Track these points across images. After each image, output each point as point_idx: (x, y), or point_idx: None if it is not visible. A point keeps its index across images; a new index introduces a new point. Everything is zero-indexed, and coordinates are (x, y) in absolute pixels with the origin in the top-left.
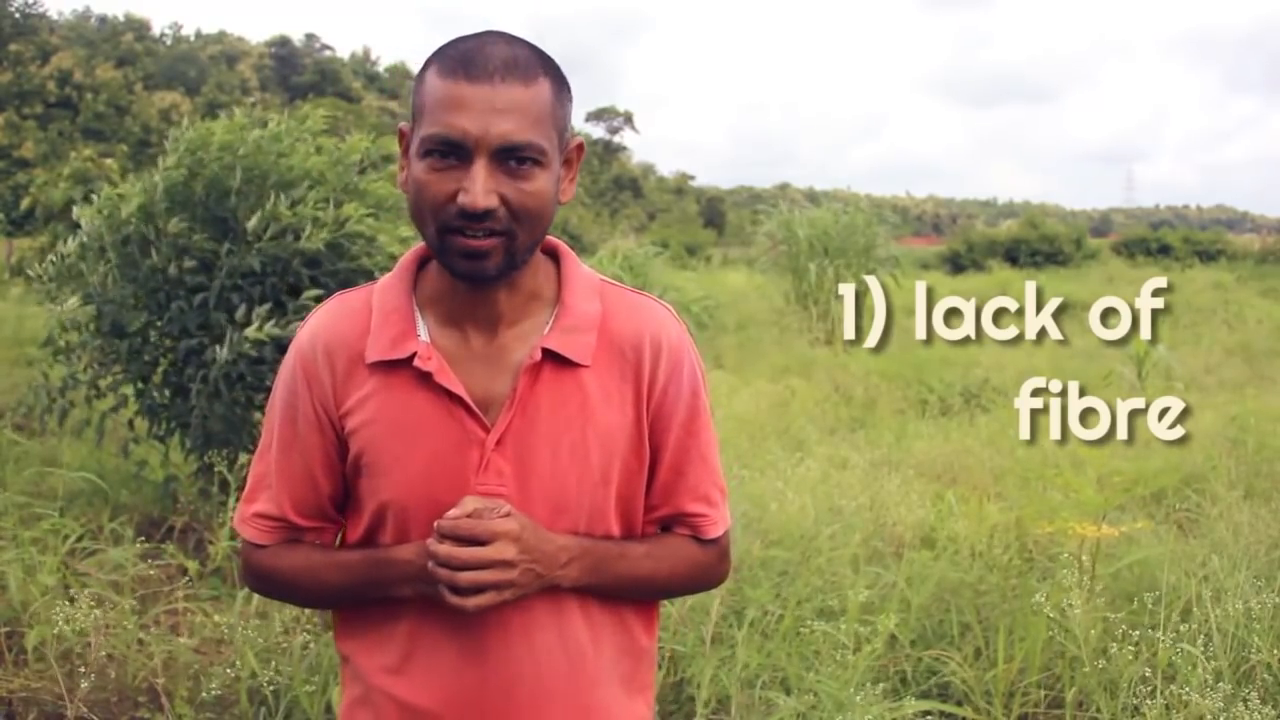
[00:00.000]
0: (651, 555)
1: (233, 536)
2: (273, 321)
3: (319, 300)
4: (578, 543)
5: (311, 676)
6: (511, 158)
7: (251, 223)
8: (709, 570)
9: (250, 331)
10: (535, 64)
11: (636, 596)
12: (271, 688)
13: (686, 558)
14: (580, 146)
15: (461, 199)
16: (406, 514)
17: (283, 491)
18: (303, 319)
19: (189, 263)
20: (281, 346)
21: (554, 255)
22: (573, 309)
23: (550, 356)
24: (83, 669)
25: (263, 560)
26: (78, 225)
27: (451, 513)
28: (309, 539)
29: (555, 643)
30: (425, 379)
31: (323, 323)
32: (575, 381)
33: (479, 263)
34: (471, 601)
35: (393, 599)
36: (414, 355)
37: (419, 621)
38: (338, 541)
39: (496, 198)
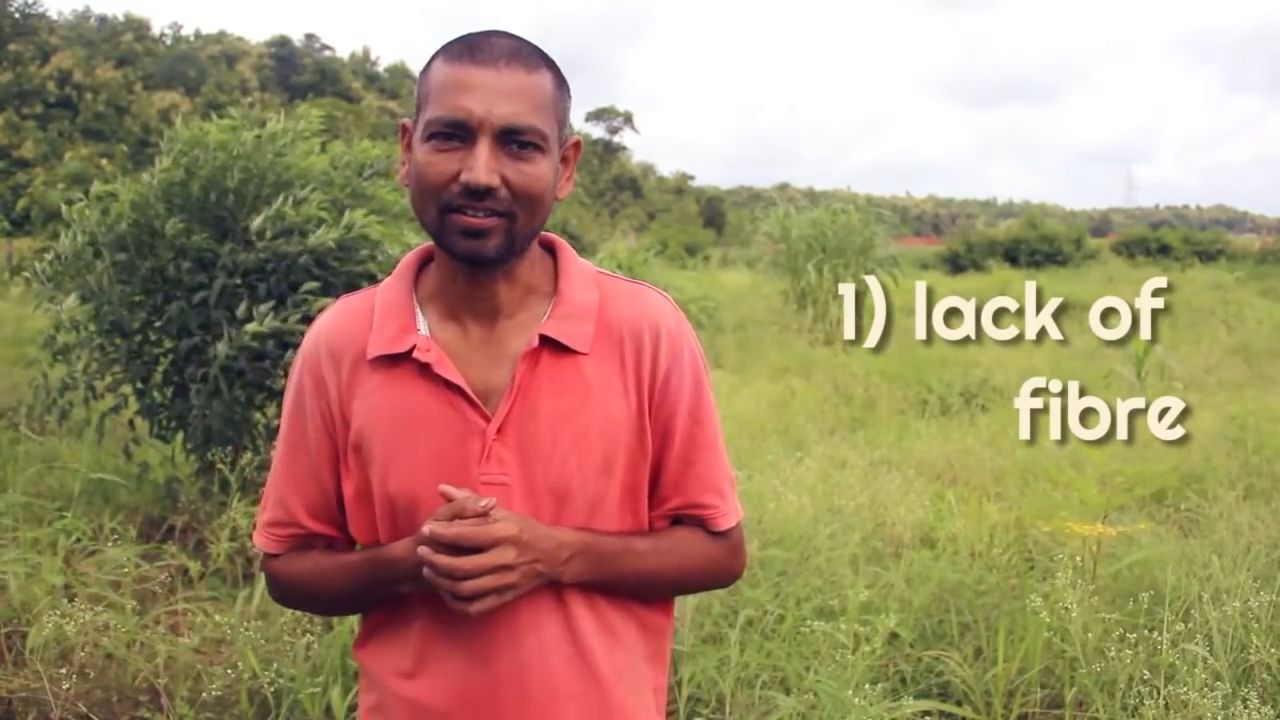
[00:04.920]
0: (659, 549)
1: (233, 537)
2: (273, 315)
3: (316, 293)
4: (579, 537)
5: (314, 678)
6: (514, 140)
7: (256, 222)
8: (722, 564)
9: (252, 326)
10: (538, 56)
11: (645, 593)
12: (272, 688)
13: (698, 552)
14: (578, 145)
15: (465, 176)
16: (411, 507)
17: (291, 494)
18: (303, 313)
19: (187, 263)
20: (283, 341)
21: (551, 250)
22: (570, 298)
23: (548, 343)
24: (83, 669)
25: (278, 569)
26: (69, 224)
27: (440, 512)
28: (320, 544)
29: (565, 641)
30: (425, 371)
31: (326, 325)
32: (574, 369)
33: (479, 241)
34: (475, 606)
35: (404, 602)
36: (414, 348)
37: (430, 624)
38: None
39: (498, 177)
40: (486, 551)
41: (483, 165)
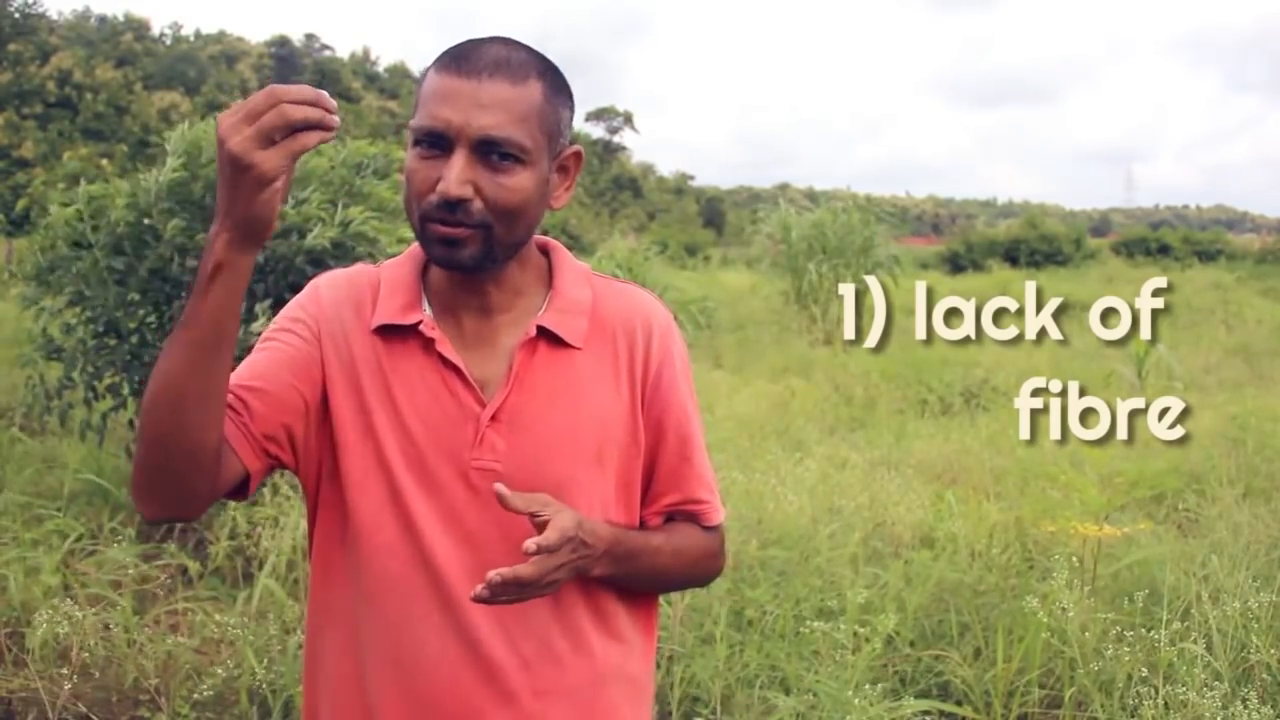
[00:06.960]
0: (670, 545)
1: (232, 536)
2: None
3: None
4: (611, 532)
5: None
6: (493, 152)
7: None
8: (713, 561)
9: (258, 326)
10: (529, 66)
11: (647, 589)
12: (271, 688)
13: (699, 548)
14: (578, 154)
15: (439, 186)
16: (398, 486)
17: (242, 370)
18: None
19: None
20: None
21: (545, 251)
22: (565, 294)
23: (544, 335)
24: (83, 669)
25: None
26: (50, 227)
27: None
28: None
29: (557, 633)
30: (427, 349)
31: (343, 271)
32: (569, 362)
33: (453, 251)
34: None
35: (387, 593)
36: (419, 323)
37: (409, 614)
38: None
39: (471, 188)
40: (555, 552)
41: (454, 176)
